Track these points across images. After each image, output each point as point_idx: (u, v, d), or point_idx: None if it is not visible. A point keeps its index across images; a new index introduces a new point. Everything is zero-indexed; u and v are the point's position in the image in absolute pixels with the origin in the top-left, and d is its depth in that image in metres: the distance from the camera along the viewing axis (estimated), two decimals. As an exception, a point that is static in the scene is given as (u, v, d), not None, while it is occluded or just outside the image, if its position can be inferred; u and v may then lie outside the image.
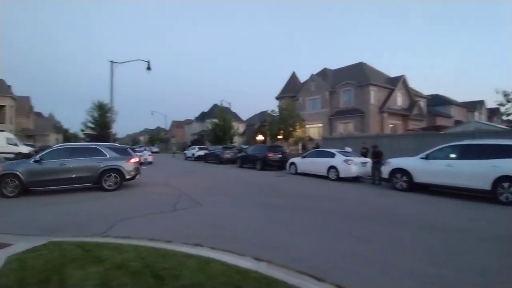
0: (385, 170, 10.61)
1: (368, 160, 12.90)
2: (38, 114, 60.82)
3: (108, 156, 9.68)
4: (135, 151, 21.58)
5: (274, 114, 27.58)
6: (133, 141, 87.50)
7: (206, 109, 61.93)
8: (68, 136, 69.33)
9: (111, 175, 9.52)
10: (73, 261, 3.53)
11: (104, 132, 23.75)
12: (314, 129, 32.40)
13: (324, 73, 34.71)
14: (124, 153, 10.21)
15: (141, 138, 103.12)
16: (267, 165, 17.20)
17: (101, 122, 24.62)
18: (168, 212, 6.66)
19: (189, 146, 40.65)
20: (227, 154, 23.19)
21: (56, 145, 10.55)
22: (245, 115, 70.86)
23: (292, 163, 15.33)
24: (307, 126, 32.04)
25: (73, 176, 9.16)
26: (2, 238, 4.60)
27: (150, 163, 22.73)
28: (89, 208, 7.12)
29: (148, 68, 21.59)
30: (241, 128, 53.30)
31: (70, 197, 8.58)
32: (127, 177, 9.86)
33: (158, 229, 5.21)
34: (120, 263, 3.48)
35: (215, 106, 49.14)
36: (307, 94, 33.20)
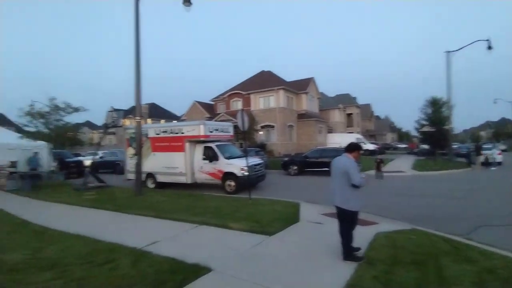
0: None
1: None
2: (377, 117, 71.84)
3: None
4: (482, 149, 18.38)
5: None
6: (472, 138, 74.31)
7: None
8: (400, 135, 75.01)
9: None
10: (446, 254, 3.70)
11: (441, 129, 22.47)
12: None
13: None
14: None
15: (482, 133, 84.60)
16: None
17: (435, 119, 23.49)
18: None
19: None
20: None
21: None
22: None
23: None
24: None
25: None
26: (370, 217, 5.79)
27: (498, 163, 18.06)
28: (446, 208, 7.12)
29: (489, 48, 17.56)
30: None
31: (435, 192, 9.19)
32: None
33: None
34: (489, 268, 3.35)
35: None
36: None
